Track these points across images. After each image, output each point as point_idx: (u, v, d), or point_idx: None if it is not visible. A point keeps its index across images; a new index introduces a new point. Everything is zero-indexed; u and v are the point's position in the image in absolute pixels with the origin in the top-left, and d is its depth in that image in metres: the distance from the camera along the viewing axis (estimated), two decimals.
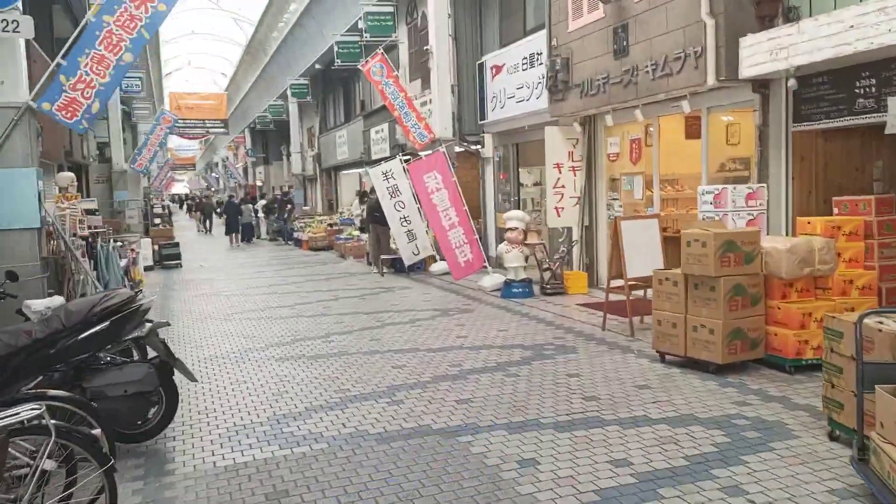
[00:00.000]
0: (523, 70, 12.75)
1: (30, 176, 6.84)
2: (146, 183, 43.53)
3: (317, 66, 26.48)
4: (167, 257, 18.82)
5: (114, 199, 22.10)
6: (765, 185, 7.87)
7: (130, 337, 5.46)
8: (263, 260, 20.13)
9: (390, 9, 18.18)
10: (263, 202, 28.18)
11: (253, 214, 27.55)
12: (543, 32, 11.57)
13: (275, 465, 4.69)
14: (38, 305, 5.52)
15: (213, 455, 4.97)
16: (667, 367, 6.63)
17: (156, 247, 19.10)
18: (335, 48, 20.65)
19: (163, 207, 31.99)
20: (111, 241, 8.12)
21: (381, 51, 15.38)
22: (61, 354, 4.87)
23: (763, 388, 5.85)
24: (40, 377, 4.83)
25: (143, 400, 5.08)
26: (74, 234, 7.26)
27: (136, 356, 6.15)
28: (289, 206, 28.13)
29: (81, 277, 7.15)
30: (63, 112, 6.98)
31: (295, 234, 23.98)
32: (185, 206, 53.10)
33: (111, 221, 20.13)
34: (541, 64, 11.87)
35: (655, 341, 6.88)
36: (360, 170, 21.72)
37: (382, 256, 15.22)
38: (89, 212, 9.48)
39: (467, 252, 12.33)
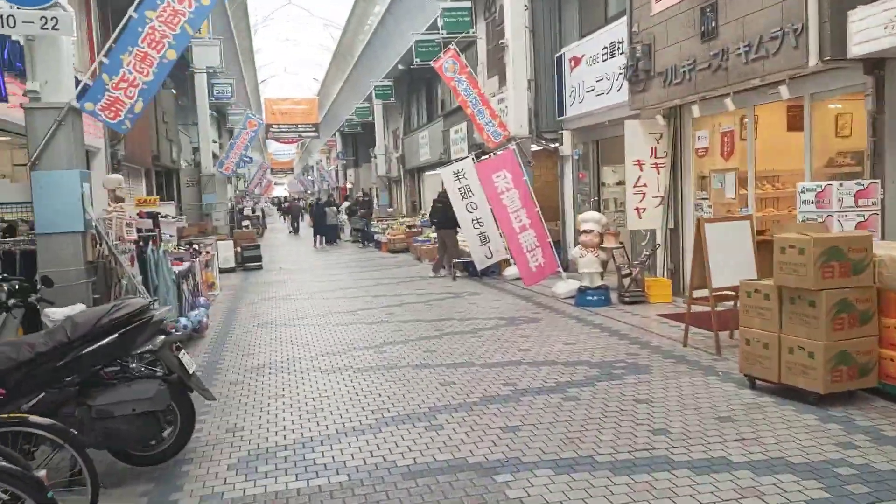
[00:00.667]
0: (603, 61, 11.83)
1: (73, 178, 6.63)
2: (242, 186, 44.85)
3: (399, 67, 26.23)
4: (248, 259, 18.92)
5: (202, 202, 22.53)
6: (878, 181, 6.73)
7: (150, 349, 5.06)
8: (341, 262, 19.96)
9: (468, 4, 17.57)
10: (347, 204, 28.17)
11: (336, 216, 27.60)
12: (625, 19, 10.64)
13: (284, 501, 4.14)
14: (57, 314, 5.22)
15: (225, 483, 4.48)
16: (756, 395, 5.67)
17: (238, 249, 19.26)
18: (414, 47, 20.25)
19: (253, 210, 32.66)
20: (161, 245, 7.82)
21: (454, 46, 14.79)
22: (67, 369, 4.50)
23: (875, 426, 4.83)
24: (43, 393, 4.49)
25: (154, 419, 4.65)
26: (120, 239, 7.02)
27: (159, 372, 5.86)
28: (362, 209, 28.03)
29: (125, 283, 6.89)
30: (106, 112, 6.75)
31: (375, 236, 23.76)
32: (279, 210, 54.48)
33: (198, 224, 20.56)
34: (622, 53, 10.94)
35: (743, 363, 5.92)
36: (436, 171, 21.23)
37: (455, 260, 14.63)
38: (152, 215, 9.33)
39: (539, 256, 11.54)
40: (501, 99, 16.10)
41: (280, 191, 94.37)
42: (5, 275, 6.24)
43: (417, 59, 20.08)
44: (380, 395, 6.18)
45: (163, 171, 20.03)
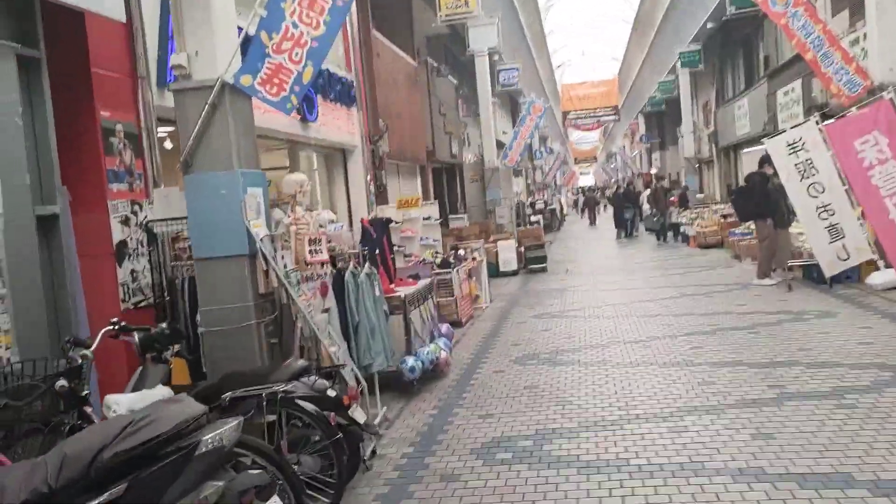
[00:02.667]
0: None
1: (231, 182, 4.85)
2: (540, 178, 43.48)
3: (708, 26, 22.09)
4: (531, 260, 16.83)
5: (486, 198, 21.07)
6: None
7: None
8: (638, 261, 16.83)
9: None
10: (647, 192, 24.75)
11: (635, 206, 24.36)
12: None
13: None
14: (121, 405, 3.35)
15: None
16: None
17: (521, 249, 17.29)
18: None
19: (546, 203, 30.75)
20: (363, 268, 5.81)
21: None
22: None
23: None
24: None
25: None
26: (301, 263, 5.13)
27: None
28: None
29: (300, 325, 4.96)
30: (267, 87, 4.87)
31: (683, 229, 20.10)
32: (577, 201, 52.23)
33: (480, 224, 19.06)
34: None
35: None
36: (758, 146, 16.97)
37: (790, 263, 10.77)
38: (377, 223, 7.51)
39: None
40: (855, 40, 11.74)
41: (585, 181, 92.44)
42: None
43: (732, 8, 16.13)
44: None
45: (441, 167, 18.84)
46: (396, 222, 12.09)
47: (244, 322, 4.94)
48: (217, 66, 4.88)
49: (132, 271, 5.68)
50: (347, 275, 5.70)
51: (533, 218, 23.97)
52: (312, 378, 4.42)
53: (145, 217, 5.82)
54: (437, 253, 11.20)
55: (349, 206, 11.78)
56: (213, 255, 4.91)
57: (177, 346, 4.77)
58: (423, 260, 10.53)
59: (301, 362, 4.53)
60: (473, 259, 11.97)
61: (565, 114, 48.40)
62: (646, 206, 25.32)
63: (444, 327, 7.90)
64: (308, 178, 11.28)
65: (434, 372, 7.08)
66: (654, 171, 42.97)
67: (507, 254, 16.54)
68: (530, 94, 23.20)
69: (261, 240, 4.83)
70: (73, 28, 5.26)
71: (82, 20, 5.26)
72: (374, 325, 5.76)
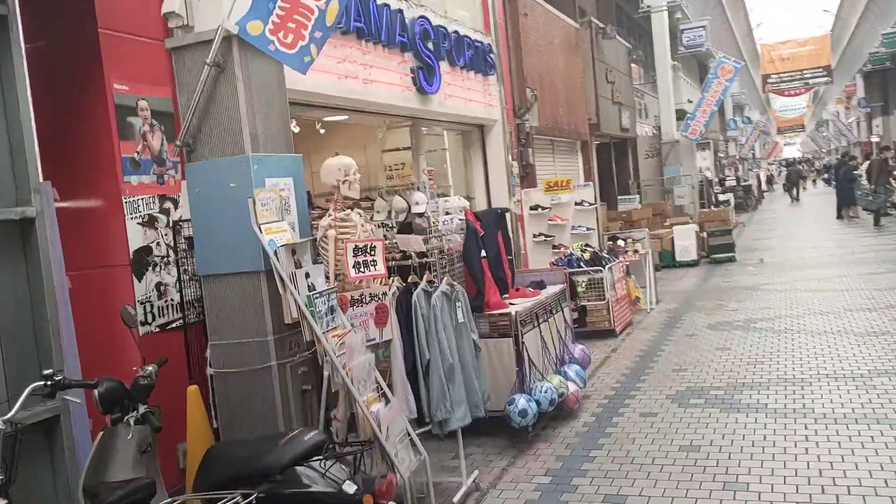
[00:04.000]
0: None
1: (242, 171, 3.51)
2: (734, 150, 39.09)
3: None
4: (715, 249, 14.34)
5: (664, 175, 18.56)
6: None
7: None
8: (856, 250, 13.66)
9: None
10: (866, 164, 20.66)
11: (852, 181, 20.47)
12: None
13: None
14: None
15: None
16: None
17: (704, 235, 14.83)
18: None
19: (738, 180, 27.13)
20: (439, 281, 4.25)
21: None
22: None
23: None
24: None
25: None
26: (344, 282, 3.69)
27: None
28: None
29: (327, 373, 3.51)
30: (280, 35, 3.44)
31: None
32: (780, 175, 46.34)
33: (654, 205, 16.69)
34: None
35: None
36: None
37: None
38: (490, 215, 5.94)
39: None
40: None
41: (790, 152, 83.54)
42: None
43: None
44: None
45: (609, 141, 16.66)
46: (544, 208, 10.42)
47: (262, 363, 3.60)
48: (222, 12, 3.52)
49: (158, 285, 4.54)
50: (417, 294, 4.15)
51: (722, 197, 20.95)
52: (327, 462, 2.99)
53: (180, 217, 4.66)
54: (586, 246, 9.35)
55: (487, 191, 10.24)
56: (220, 272, 3.61)
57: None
58: (570, 254, 8.74)
59: (314, 434, 3.10)
60: (634, 253, 9.95)
61: (765, 77, 43.10)
62: (864, 182, 21.28)
63: (578, 349, 6.13)
64: (435, 159, 9.97)
65: (559, 410, 5.40)
66: (876, 139, 37.02)
67: (685, 241, 14.19)
68: (718, 54, 20.13)
69: (275, 251, 3.43)
70: None
71: None
72: (452, 363, 4.18)
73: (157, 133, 4.56)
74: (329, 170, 4.04)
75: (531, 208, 10.54)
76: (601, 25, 15.45)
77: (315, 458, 3.00)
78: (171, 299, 4.56)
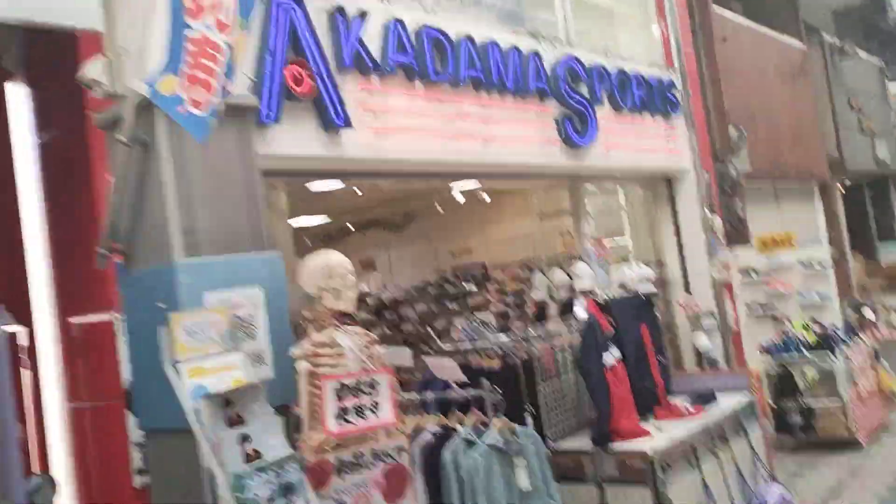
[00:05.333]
0: None
1: (166, 283, 2.52)
2: None
3: None
4: None
5: None
6: None
7: None
8: None
9: None
10: None
11: None
12: None
13: None
14: None
15: None
16: None
17: None
18: None
19: None
20: (493, 425, 2.87)
21: None
22: None
23: None
24: None
25: None
26: (333, 434, 2.48)
27: None
28: None
29: None
30: (189, 91, 2.39)
31: None
32: None
33: None
34: None
35: None
36: None
37: None
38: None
39: None
40: None
41: None
42: None
43: None
44: None
45: (860, 182, 13.61)
46: (759, 272, 8.28)
47: None
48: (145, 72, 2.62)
49: None
50: (453, 448, 2.79)
51: None
52: None
53: None
54: (813, 322, 7.12)
55: (681, 254, 8.39)
56: (157, 426, 2.61)
57: None
58: (784, 333, 6.64)
59: None
60: (889, 328, 7.43)
61: None
62: None
63: (775, 494, 4.20)
64: (612, 221, 8.38)
65: None
66: None
67: None
68: None
69: (200, 401, 2.35)
70: (58, 51, 3.55)
71: (72, 42, 3.52)
72: None
73: None
74: (308, 273, 2.89)
75: (742, 273, 8.47)
76: (838, 43, 12.80)
77: None
78: None
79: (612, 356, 3.85)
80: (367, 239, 11.74)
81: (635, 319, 4.27)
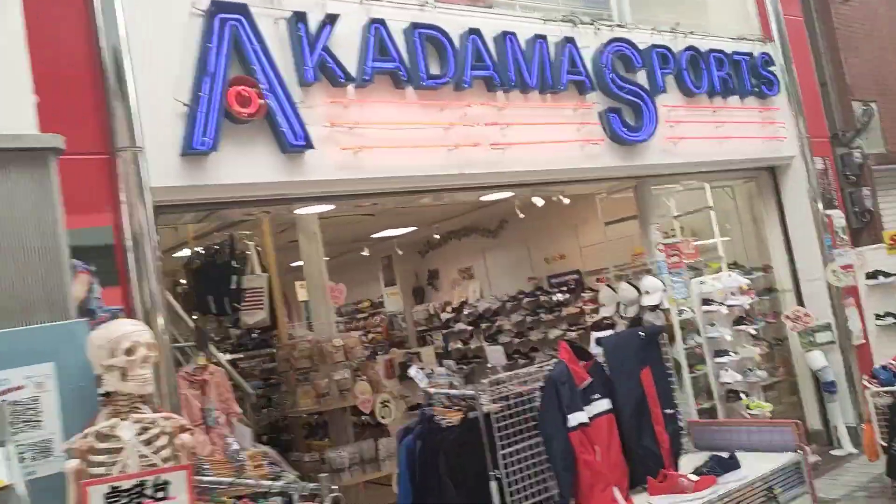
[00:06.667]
0: None
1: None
2: None
3: None
4: None
5: None
6: None
7: None
8: None
9: None
10: None
11: None
12: None
13: None
14: None
15: None
16: None
17: None
18: None
19: None
20: None
21: None
22: None
23: None
24: None
25: None
26: None
27: None
28: None
29: None
30: None
31: None
32: None
33: None
34: None
35: None
36: None
37: None
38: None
39: None
40: None
41: None
42: None
43: None
44: None
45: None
46: (889, 275, 6.74)
47: None
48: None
49: None
50: None
51: None
52: None
53: None
54: None
55: (790, 256, 7.14)
56: None
57: None
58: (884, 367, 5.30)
59: None
60: None
61: None
62: None
63: None
64: (699, 223, 7.23)
65: None
66: None
67: None
68: None
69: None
70: None
71: None
72: None
73: (83, 278, 3.53)
74: (91, 348, 2.34)
75: (868, 276, 7.03)
76: None
77: None
78: None
79: (585, 414, 3.09)
80: (463, 245, 11.27)
81: (637, 362, 3.43)
